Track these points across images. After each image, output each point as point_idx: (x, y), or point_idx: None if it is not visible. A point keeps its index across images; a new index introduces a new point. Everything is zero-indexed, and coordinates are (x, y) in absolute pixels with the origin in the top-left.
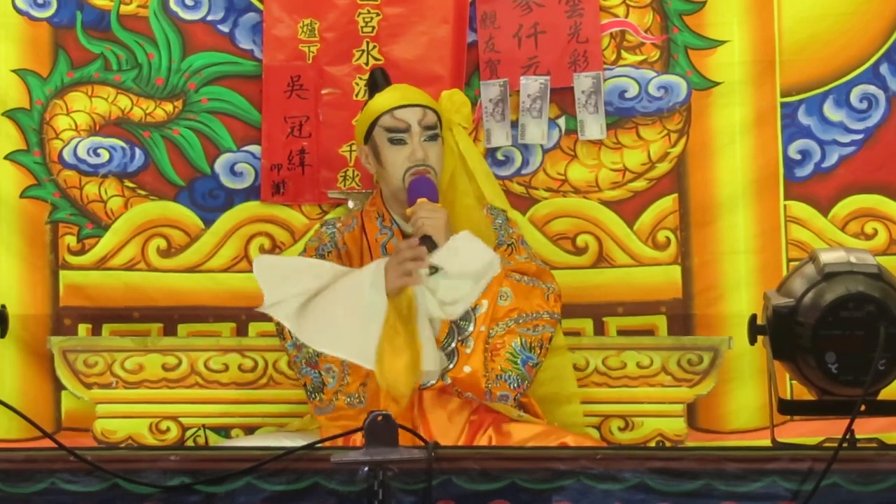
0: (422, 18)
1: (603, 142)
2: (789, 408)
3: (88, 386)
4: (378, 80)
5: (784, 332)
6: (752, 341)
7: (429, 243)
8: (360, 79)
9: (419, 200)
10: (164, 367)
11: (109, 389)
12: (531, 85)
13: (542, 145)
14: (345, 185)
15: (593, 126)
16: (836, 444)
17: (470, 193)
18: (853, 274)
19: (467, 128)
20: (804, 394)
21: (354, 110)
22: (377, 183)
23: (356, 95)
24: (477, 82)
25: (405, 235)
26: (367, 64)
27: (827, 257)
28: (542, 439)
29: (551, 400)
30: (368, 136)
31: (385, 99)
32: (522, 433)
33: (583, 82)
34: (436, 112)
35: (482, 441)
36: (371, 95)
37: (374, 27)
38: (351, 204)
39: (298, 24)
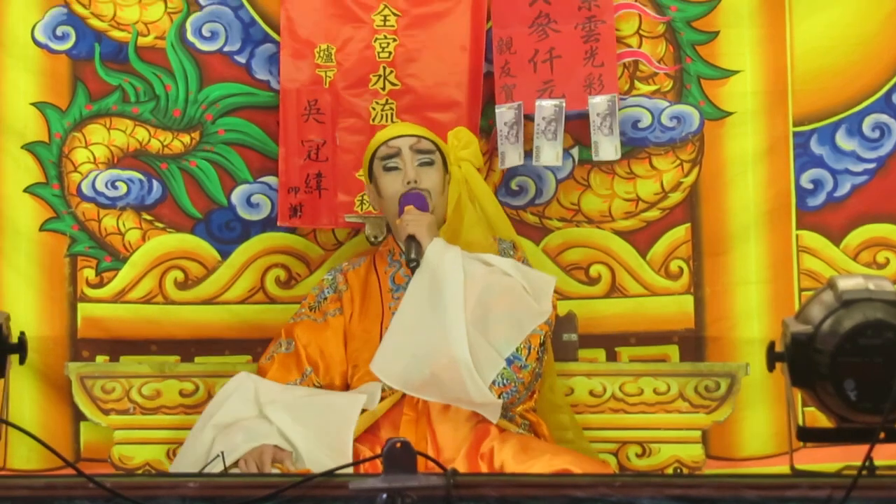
0: (439, 45)
1: (616, 171)
2: (808, 435)
3: (106, 412)
4: None
5: (802, 359)
6: (771, 368)
7: (413, 242)
8: (377, 103)
9: (406, 208)
10: (182, 393)
11: (127, 415)
12: (546, 108)
13: (555, 175)
14: (362, 209)
15: (608, 147)
16: (855, 472)
17: (473, 213)
18: (871, 301)
19: (477, 165)
20: (816, 421)
21: (371, 135)
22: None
23: (373, 120)
24: (491, 112)
25: (409, 263)
26: (383, 89)
27: (845, 284)
28: (540, 452)
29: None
30: (371, 174)
31: (381, 133)
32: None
33: (598, 105)
34: (434, 143)
35: (486, 448)
36: None
37: (390, 52)
38: (367, 228)
39: (315, 49)
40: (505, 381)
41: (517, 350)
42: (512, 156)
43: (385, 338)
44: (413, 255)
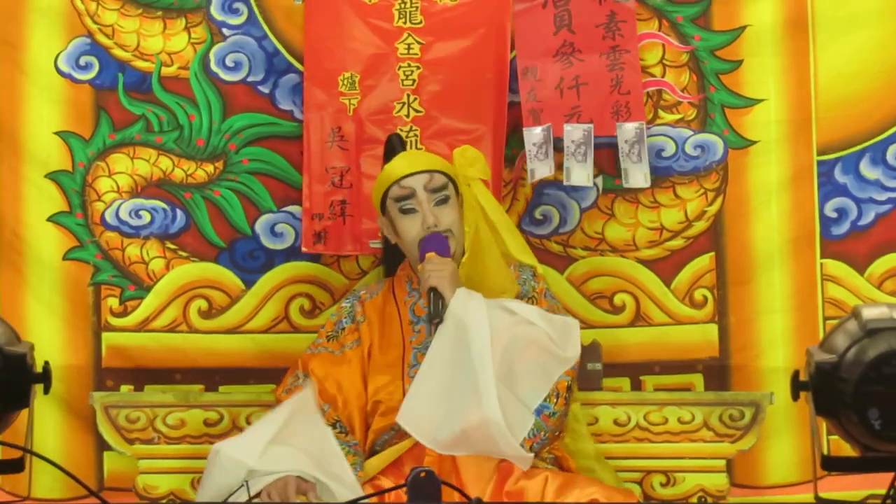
0: (463, 73)
1: (640, 200)
2: (832, 464)
3: (130, 441)
4: (395, 147)
5: (827, 388)
6: (795, 397)
7: (435, 294)
8: (401, 130)
9: (427, 255)
10: (206, 423)
11: (151, 445)
12: (575, 132)
13: (580, 204)
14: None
15: (637, 175)
16: (879, 501)
17: (493, 246)
18: None
19: (485, 178)
20: (841, 450)
21: None
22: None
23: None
24: (514, 141)
25: (432, 320)
26: (407, 116)
27: (869, 313)
28: (570, 487)
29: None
30: (383, 208)
31: (391, 169)
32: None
33: (626, 131)
34: (445, 174)
35: (512, 487)
36: (387, 162)
37: (414, 80)
38: None
39: (339, 77)
40: (535, 431)
41: (545, 399)
42: (542, 170)
43: (411, 391)
44: (437, 312)
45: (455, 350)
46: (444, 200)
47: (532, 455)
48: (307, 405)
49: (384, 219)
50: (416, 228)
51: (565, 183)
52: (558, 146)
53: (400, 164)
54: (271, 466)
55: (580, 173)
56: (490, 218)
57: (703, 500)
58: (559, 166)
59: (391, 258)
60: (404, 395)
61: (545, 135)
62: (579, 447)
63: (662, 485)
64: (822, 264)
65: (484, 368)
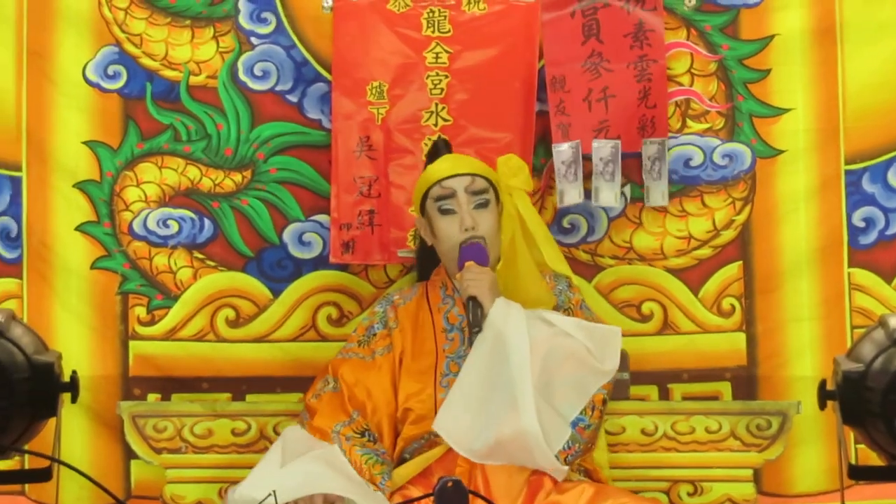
0: (491, 81)
1: (668, 209)
2: (859, 473)
3: (158, 451)
4: (440, 150)
5: (853, 397)
6: (822, 406)
7: (474, 304)
8: (429, 139)
9: (467, 264)
10: (234, 433)
11: (179, 454)
12: (603, 148)
13: (608, 213)
14: (414, 244)
15: (656, 193)
16: None
17: (528, 258)
18: None
19: (528, 189)
20: (868, 458)
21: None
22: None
23: (425, 156)
24: (542, 150)
25: (465, 303)
26: (436, 125)
27: None
28: (601, 498)
29: None
30: (423, 209)
31: (434, 170)
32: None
33: (649, 148)
34: (487, 179)
35: (543, 500)
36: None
37: (442, 89)
38: None
39: (367, 87)
40: (570, 443)
41: (581, 412)
42: (571, 194)
43: (448, 399)
44: (476, 321)
45: (493, 359)
46: (484, 204)
47: (567, 467)
48: (300, 436)
49: (422, 220)
50: (454, 230)
51: (594, 204)
52: (586, 157)
53: (443, 166)
54: (296, 493)
55: (608, 194)
56: (529, 230)
57: None
58: (587, 175)
59: (425, 262)
60: (436, 403)
61: (574, 153)
62: (594, 457)
63: (689, 494)
64: (849, 273)
65: (523, 379)
